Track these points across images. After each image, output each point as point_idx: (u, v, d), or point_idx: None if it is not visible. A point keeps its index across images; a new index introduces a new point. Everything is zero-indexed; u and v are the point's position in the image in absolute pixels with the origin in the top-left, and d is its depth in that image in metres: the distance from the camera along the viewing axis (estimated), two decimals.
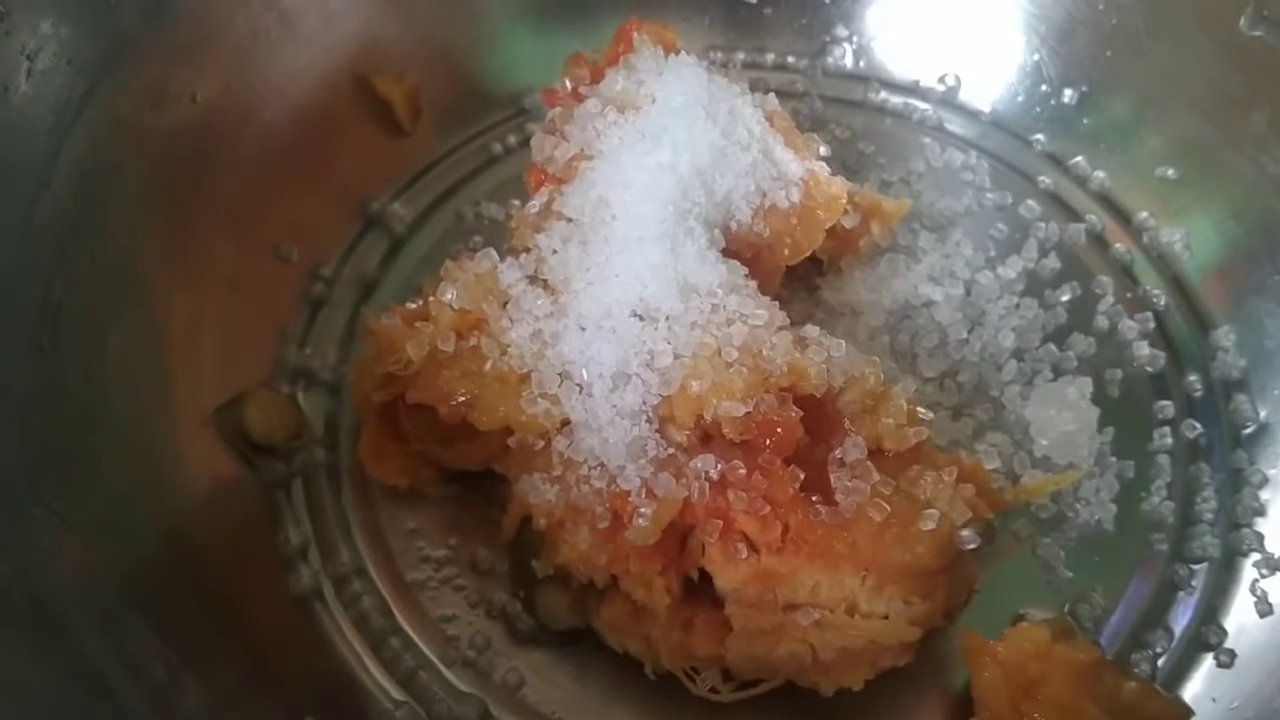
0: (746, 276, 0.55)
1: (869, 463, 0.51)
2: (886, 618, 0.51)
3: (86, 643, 0.45)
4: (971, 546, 0.51)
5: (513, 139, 0.77)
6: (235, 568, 0.57)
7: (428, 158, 0.75)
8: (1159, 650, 0.57)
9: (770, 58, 0.81)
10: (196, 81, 0.64)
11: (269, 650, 0.55)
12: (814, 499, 0.51)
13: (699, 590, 0.53)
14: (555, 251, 0.55)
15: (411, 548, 0.61)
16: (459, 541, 0.61)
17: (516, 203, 0.72)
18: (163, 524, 0.54)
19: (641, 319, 0.53)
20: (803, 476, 0.50)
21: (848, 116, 0.79)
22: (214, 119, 0.65)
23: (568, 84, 0.64)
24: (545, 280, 0.55)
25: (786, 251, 0.59)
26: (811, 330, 0.54)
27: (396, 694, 0.55)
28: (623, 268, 0.53)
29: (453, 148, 0.76)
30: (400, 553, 0.61)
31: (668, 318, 0.53)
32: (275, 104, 0.69)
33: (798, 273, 0.67)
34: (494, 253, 0.57)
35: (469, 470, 0.61)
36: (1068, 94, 0.75)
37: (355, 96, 0.72)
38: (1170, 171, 0.71)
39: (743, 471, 0.50)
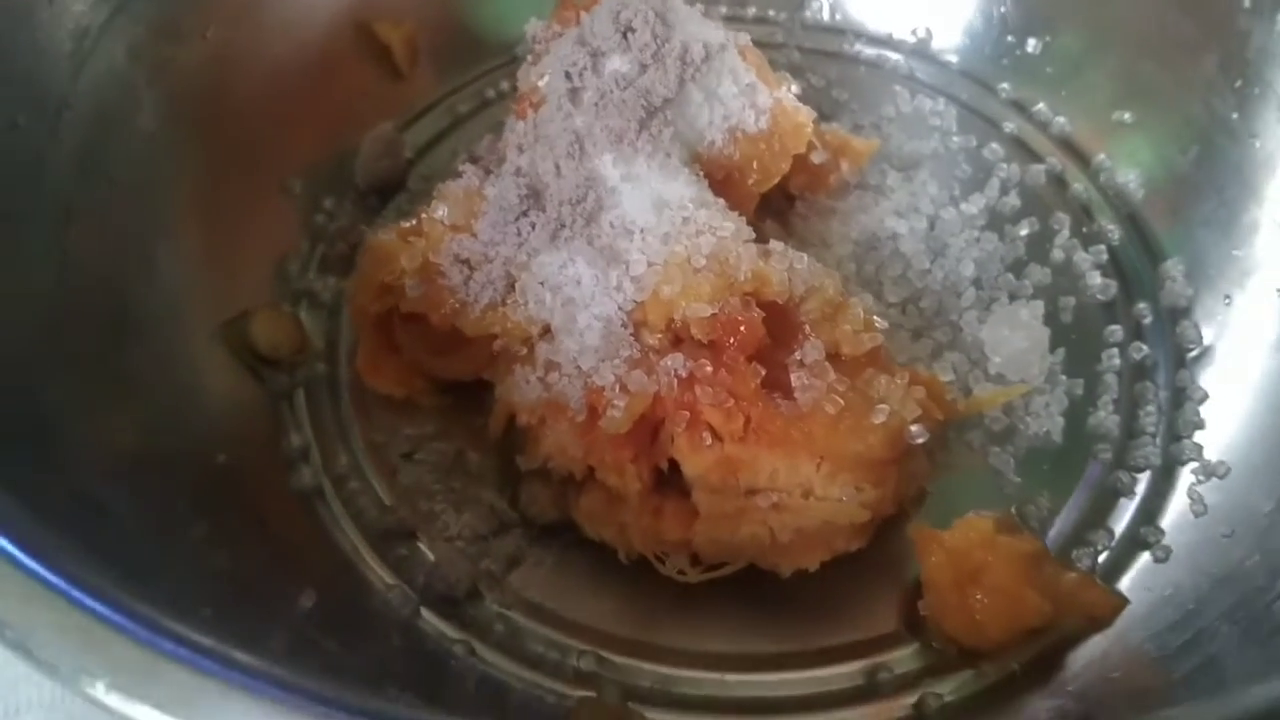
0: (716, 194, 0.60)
1: (826, 363, 0.56)
2: (840, 501, 0.55)
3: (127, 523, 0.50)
4: (920, 441, 0.56)
5: (505, 84, 0.81)
6: (244, 465, 0.61)
7: (425, 100, 0.80)
8: (1100, 548, 0.61)
9: (752, 11, 0.86)
10: (208, 19, 0.68)
11: (275, 536, 0.59)
12: (775, 395, 0.55)
13: (669, 483, 0.58)
14: (534, 166, 0.59)
15: (405, 452, 0.65)
16: (449, 446, 0.65)
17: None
18: (184, 422, 0.59)
19: (616, 230, 0.57)
20: (764, 373, 0.54)
21: (824, 66, 0.83)
22: (223, 56, 0.70)
23: (556, 26, 0.68)
24: (527, 194, 0.59)
25: (754, 177, 0.64)
26: (776, 245, 0.58)
27: (389, 578, 0.60)
28: (599, 183, 0.58)
29: (449, 91, 0.81)
30: (394, 457, 0.65)
31: (642, 230, 0.57)
32: (281, 45, 0.73)
33: (772, 207, 0.72)
34: (480, 170, 0.62)
35: (459, 380, 0.65)
36: (1031, 44, 0.80)
37: (356, 40, 0.77)
38: (1126, 115, 0.76)
39: (709, 369, 0.54)
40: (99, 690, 0.30)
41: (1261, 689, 0.34)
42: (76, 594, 0.32)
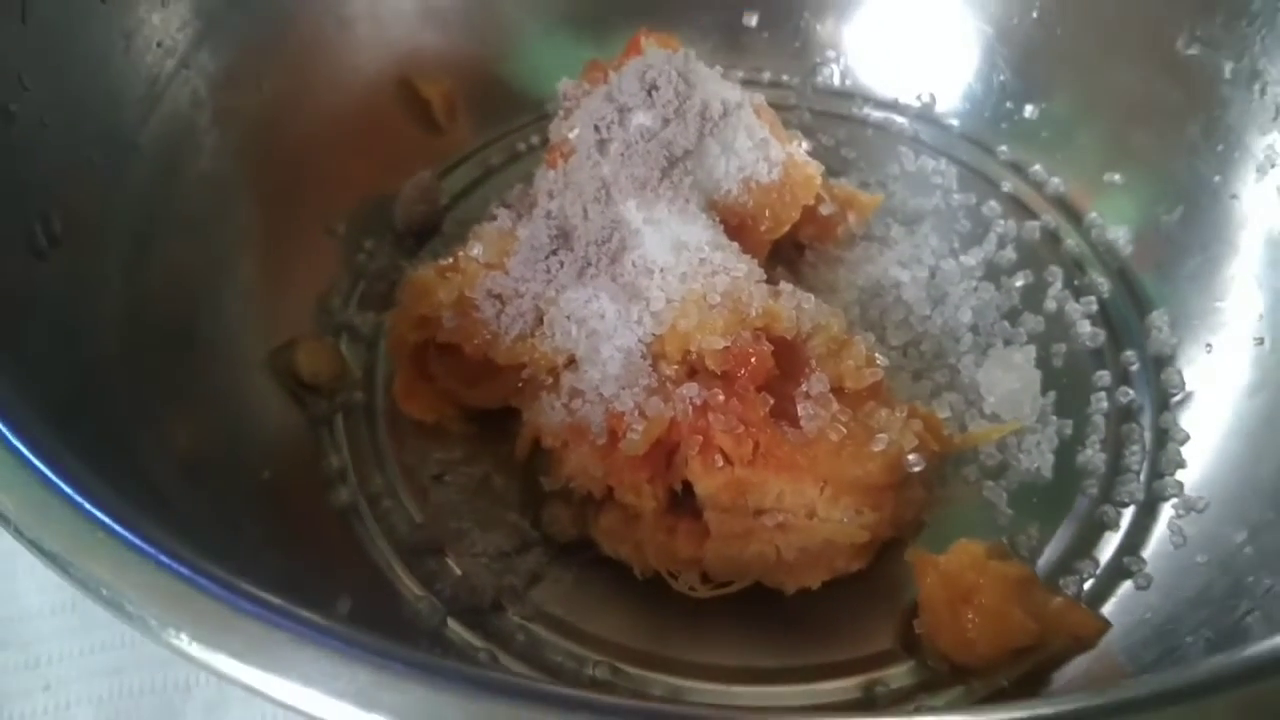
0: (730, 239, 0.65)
1: (830, 395, 0.60)
2: (841, 522, 0.59)
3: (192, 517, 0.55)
4: (917, 468, 0.60)
5: (535, 139, 0.86)
6: (287, 481, 0.65)
7: (461, 152, 0.85)
8: (1085, 575, 0.65)
9: (766, 75, 0.91)
10: (264, 73, 0.74)
11: (314, 549, 0.64)
12: (782, 423, 0.59)
13: (682, 504, 0.62)
14: (564, 210, 0.64)
15: (435, 474, 0.69)
16: (477, 470, 0.69)
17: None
18: (234, 438, 0.64)
19: (638, 269, 0.62)
20: (772, 403, 0.59)
21: (833, 127, 0.89)
22: (277, 107, 0.75)
23: (585, 85, 0.74)
24: (556, 234, 0.64)
25: (766, 224, 0.69)
26: (786, 285, 0.63)
27: (418, 590, 0.64)
28: (623, 226, 0.63)
29: (483, 144, 0.86)
30: (425, 478, 0.69)
31: (661, 269, 0.62)
32: (329, 98, 0.79)
33: (782, 255, 0.77)
34: (512, 213, 0.67)
35: (488, 409, 0.69)
36: (1028, 109, 0.85)
37: (399, 95, 0.83)
38: (1116, 176, 0.80)
39: (722, 398, 0.59)
40: (183, 641, 0.35)
41: (1209, 662, 0.38)
42: (163, 558, 0.36)
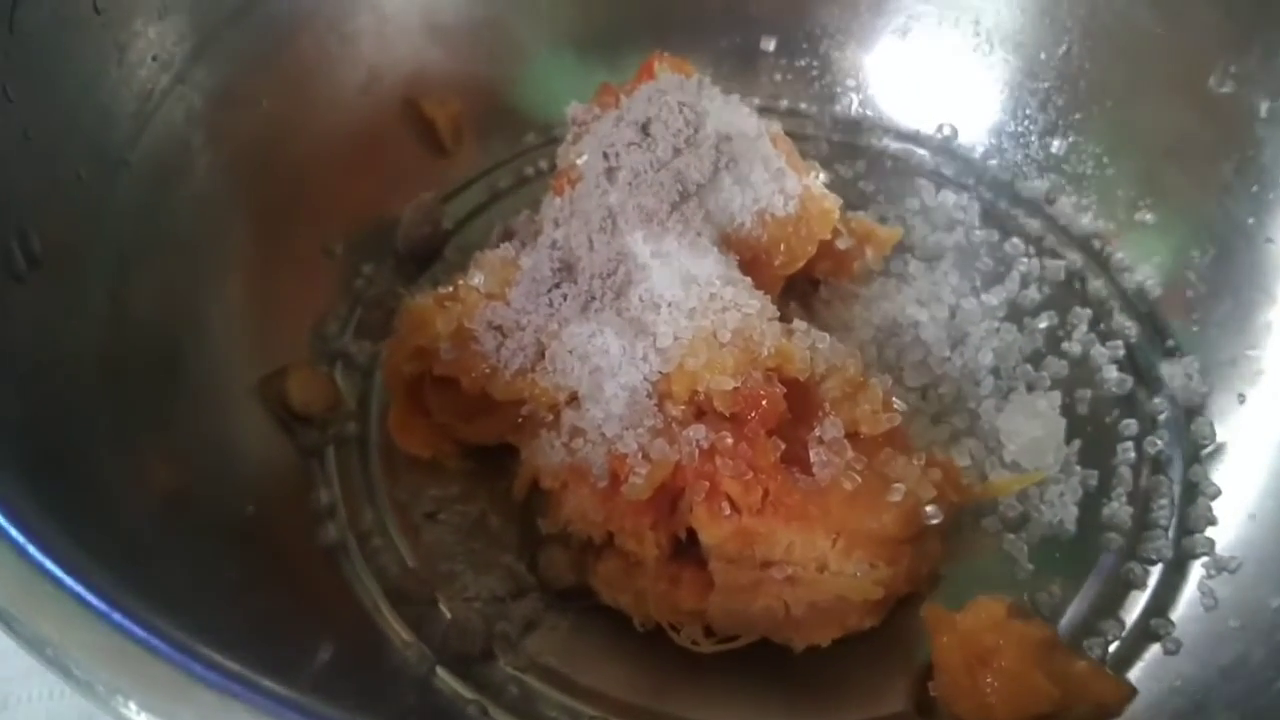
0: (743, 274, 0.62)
1: (845, 441, 0.57)
2: (854, 577, 0.56)
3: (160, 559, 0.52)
4: (935, 521, 0.57)
5: (543, 163, 0.84)
6: (272, 517, 0.62)
7: (466, 175, 0.83)
8: (1110, 637, 0.62)
9: (784, 103, 0.88)
10: (264, 90, 0.72)
11: (298, 589, 0.61)
12: (793, 470, 0.56)
13: (686, 552, 0.59)
14: (569, 240, 0.61)
15: (429, 512, 0.66)
16: (472, 509, 0.66)
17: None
18: (218, 470, 0.61)
19: (645, 303, 0.59)
20: (783, 448, 0.56)
21: (851, 158, 0.86)
22: (277, 125, 0.72)
23: (596, 109, 0.71)
24: (560, 266, 0.61)
25: (781, 259, 0.66)
26: (800, 324, 0.60)
27: (406, 635, 0.61)
28: (629, 258, 0.60)
29: (490, 167, 0.83)
30: (418, 516, 0.66)
31: (669, 304, 0.59)
32: (331, 117, 0.76)
33: (797, 291, 0.74)
34: (516, 242, 0.64)
35: (485, 445, 0.66)
36: (1055, 144, 0.82)
37: (403, 116, 0.80)
38: (1146, 216, 0.77)
39: (730, 441, 0.56)
40: (131, 709, 0.32)
41: None
42: (115, 616, 0.33)
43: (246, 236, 0.70)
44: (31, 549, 0.34)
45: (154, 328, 0.61)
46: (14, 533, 0.35)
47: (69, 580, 0.34)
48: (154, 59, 0.64)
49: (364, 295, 0.76)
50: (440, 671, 0.60)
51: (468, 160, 0.83)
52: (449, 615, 0.62)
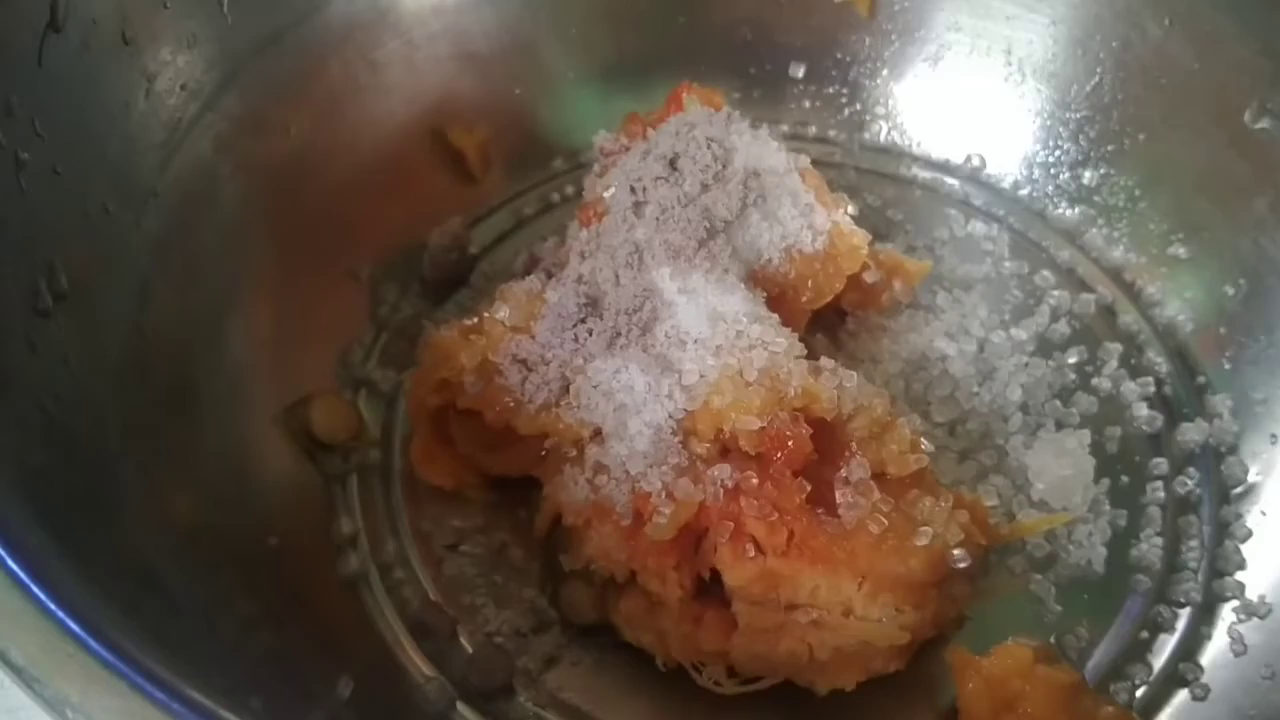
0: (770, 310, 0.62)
1: (872, 482, 0.56)
2: (880, 622, 0.55)
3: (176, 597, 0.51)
4: (962, 565, 0.56)
5: (570, 189, 0.83)
6: (293, 547, 0.62)
7: (492, 201, 0.82)
8: (1138, 682, 0.61)
9: (812, 130, 0.88)
10: (292, 118, 0.72)
11: (318, 621, 0.60)
12: (819, 511, 0.56)
13: (709, 592, 0.58)
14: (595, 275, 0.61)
15: (451, 543, 0.66)
16: (494, 540, 0.66)
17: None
18: (239, 500, 0.61)
19: (671, 340, 0.59)
20: (809, 489, 0.55)
21: (880, 187, 0.85)
22: (304, 153, 0.73)
23: (623, 139, 0.71)
24: (586, 301, 0.61)
25: (808, 295, 0.65)
26: (827, 362, 0.60)
27: (427, 670, 0.61)
28: (656, 294, 0.60)
29: (516, 193, 0.83)
30: (440, 547, 0.66)
31: (696, 341, 0.58)
32: (359, 145, 0.76)
33: (823, 323, 0.73)
34: (541, 274, 0.64)
35: (509, 477, 0.66)
36: (1087, 175, 0.81)
37: (431, 145, 0.80)
38: (1179, 250, 0.76)
39: (755, 481, 0.55)
40: None
41: None
42: (136, 678, 0.33)
43: (272, 263, 0.70)
44: (53, 606, 0.34)
45: (176, 357, 0.61)
46: (36, 589, 0.35)
47: (93, 641, 0.34)
48: (183, 88, 0.64)
49: (389, 322, 0.76)
50: (460, 707, 0.59)
51: (494, 185, 0.83)
52: (470, 649, 0.62)
